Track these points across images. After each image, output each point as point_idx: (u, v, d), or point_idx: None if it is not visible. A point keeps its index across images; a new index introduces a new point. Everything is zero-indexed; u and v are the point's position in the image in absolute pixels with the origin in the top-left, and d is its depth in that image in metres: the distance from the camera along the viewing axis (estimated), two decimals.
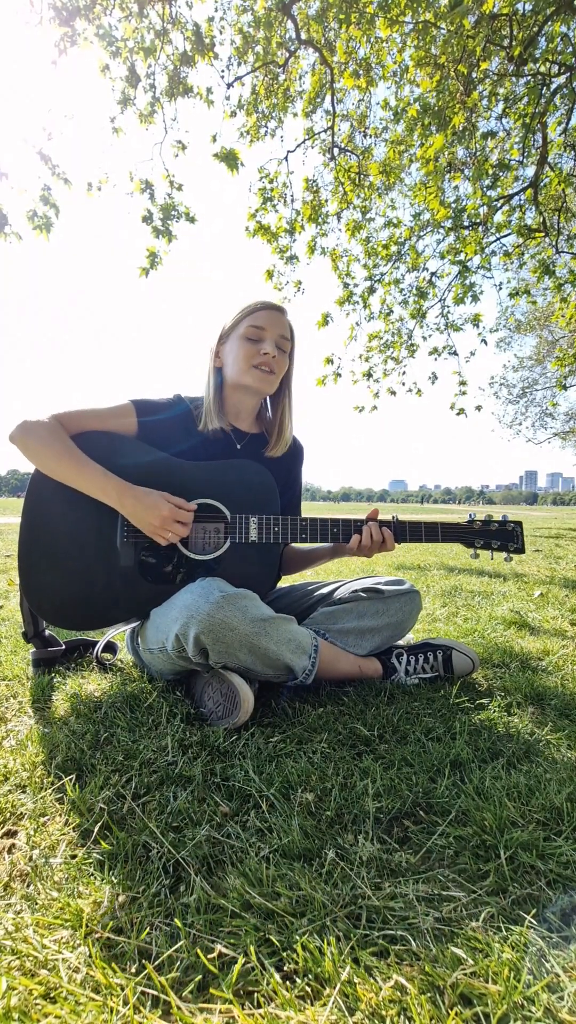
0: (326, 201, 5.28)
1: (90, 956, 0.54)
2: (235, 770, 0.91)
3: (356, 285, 5.96)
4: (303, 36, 4.33)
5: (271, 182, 5.09)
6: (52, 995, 0.51)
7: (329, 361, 6.25)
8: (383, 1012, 0.49)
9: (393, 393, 6.72)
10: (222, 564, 1.29)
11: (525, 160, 4.61)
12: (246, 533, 1.30)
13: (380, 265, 5.88)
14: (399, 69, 4.46)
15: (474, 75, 3.61)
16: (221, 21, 4.28)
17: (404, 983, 0.51)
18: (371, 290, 6.01)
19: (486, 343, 5.83)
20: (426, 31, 3.48)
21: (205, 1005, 0.50)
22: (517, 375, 16.79)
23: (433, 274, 5.92)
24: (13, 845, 0.73)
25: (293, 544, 1.59)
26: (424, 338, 6.42)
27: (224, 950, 0.55)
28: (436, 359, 6.30)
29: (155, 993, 0.50)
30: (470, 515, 1.41)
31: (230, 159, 3.91)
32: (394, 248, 5.69)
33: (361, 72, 4.32)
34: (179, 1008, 0.49)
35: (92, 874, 0.67)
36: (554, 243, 5.09)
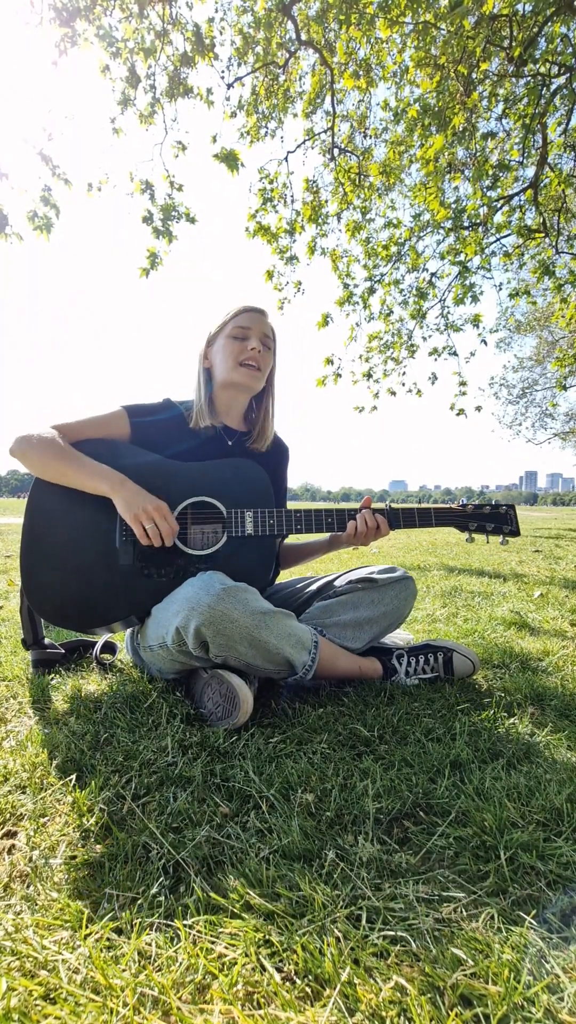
0: (326, 202, 5.28)
1: (90, 957, 0.54)
2: (235, 771, 0.91)
3: (356, 286, 5.96)
4: (303, 37, 4.33)
5: (271, 183, 5.09)
6: (52, 996, 0.51)
7: (329, 361, 6.26)
8: (383, 1013, 0.49)
9: (393, 393, 6.72)
10: (220, 558, 1.31)
11: (525, 161, 4.61)
12: (242, 527, 1.31)
13: (380, 266, 5.88)
14: (399, 70, 4.46)
15: (474, 76, 3.61)
16: (221, 22, 4.28)
17: (404, 984, 0.51)
18: (371, 291, 6.01)
19: (486, 344, 5.83)
20: (426, 32, 3.49)
21: (205, 1006, 0.50)
22: (517, 375, 16.80)
23: (433, 275, 5.92)
24: (13, 846, 0.73)
25: (289, 540, 1.60)
26: (424, 338, 6.42)
27: (224, 951, 0.55)
28: (436, 359, 6.30)
29: (155, 994, 0.50)
30: (462, 500, 1.43)
31: (230, 160, 3.91)
32: (394, 249, 5.69)
33: (361, 73, 4.32)
34: (179, 1009, 0.49)
35: (92, 875, 0.67)
36: (554, 243, 5.09)
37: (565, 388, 9.07)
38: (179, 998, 0.50)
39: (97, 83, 4.21)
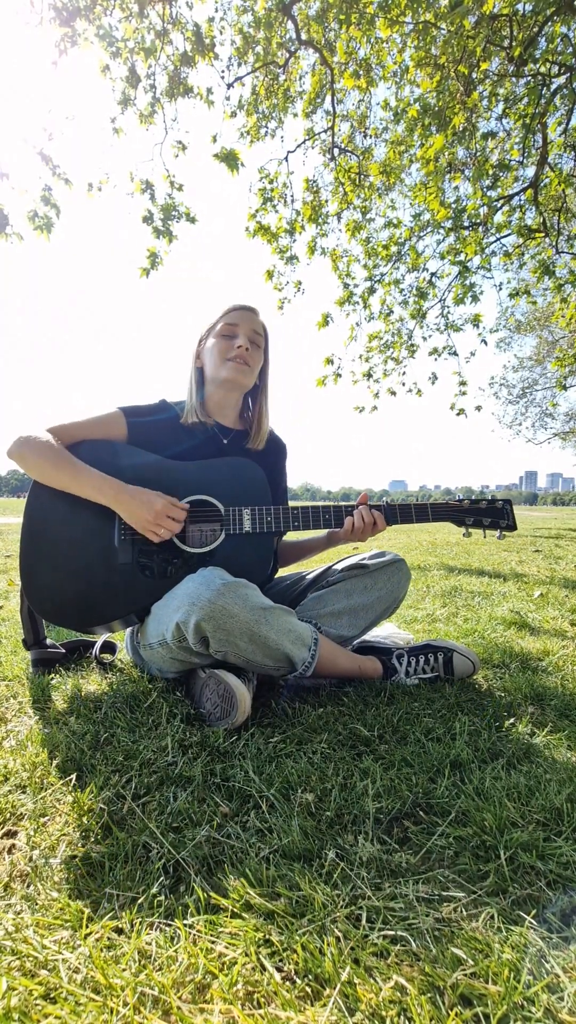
0: (326, 201, 5.28)
1: (90, 957, 0.54)
2: (235, 770, 0.91)
3: (356, 285, 5.96)
4: (303, 36, 4.33)
5: (271, 182, 5.09)
6: (52, 995, 0.51)
7: (329, 361, 6.25)
8: (383, 1012, 0.49)
9: (393, 393, 6.72)
10: (218, 556, 1.31)
11: (525, 160, 4.61)
12: (240, 524, 1.32)
13: (380, 265, 5.88)
14: (399, 69, 4.46)
15: (474, 75, 3.61)
16: (221, 21, 4.28)
17: (404, 983, 0.51)
18: (371, 290, 6.00)
19: (486, 343, 5.82)
20: (426, 31, 3.48)
21: (205, 1005, 0.50)
22: (517, 375, 16.81)
23: (433, 274, 5.92)
24: (13, 845, 0.73)
25: (287, 537, 1.62)
26: (424, 338, 6.42)
27: (224, 950, 0.55)
28: (436, 359, 6.30)
29: (155, 993, 0.50)
30: (458, 496, 1.43)
31: (230, 159, 3.91)
32: (394, 248, 5.69)
33: (361, 72, 4.32)
34: (179, 1009, 0.49)
35: (92, 875, 0.67)
36: (554, 243, 5.09)
37: (565, 388, 9.06)
38: (179, 997, 0.50)
39: (97, 83, 4.21)
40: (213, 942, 0.57)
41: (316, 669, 1.23)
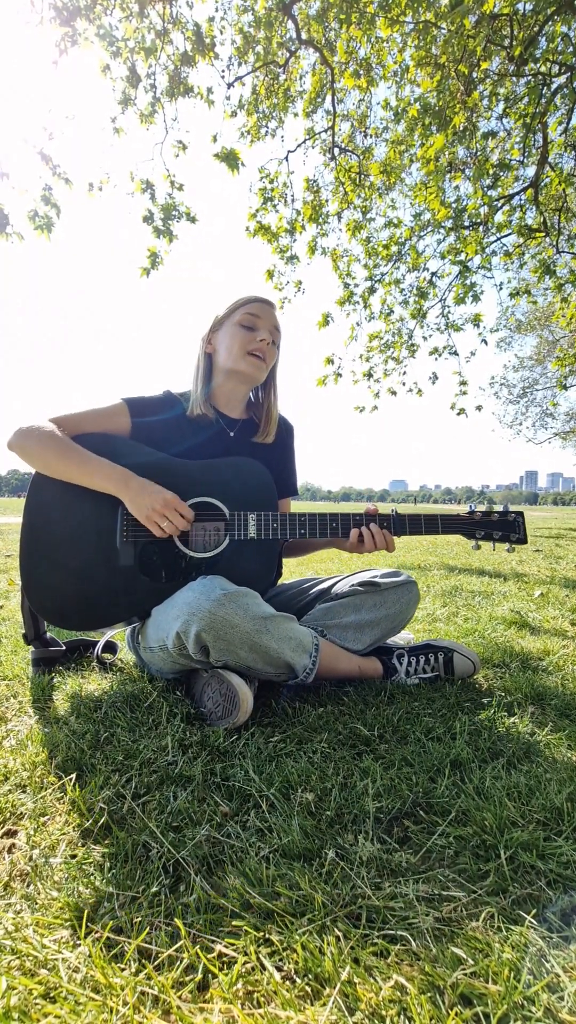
0: (326, 201, 5.27)
1: (90, 956, 0.54)
2: (235, 770, 0.91)
3: (356, 285, 5.96)
4: (303, 36, 4.32)
5: (272, 182, 5.08)
6: (52, 995, 0.51)
7: (330, 361, 6.25)
8: (383, 1012, 0.49)
9: (393, 393, 6.72)
10: (222, 561, 1.29)
11: (525, 160, 4.61)
12: (245, 530, 1.30)
13: (380, 265, 5.87)
14: (400, 69, 4.46)
15: (475, 75, 3.60)
16: (222, 21, 4.28)
17: (404, 983, 0.51)
18: (371, 290, 6.00)
19: (486, 343, 5.82)
20: (427, 31, 3.48)
21: (205, 1005, 0.50)
22: (517, 375, 16.80)
23: (434, 274, 5.91)
24: (13, 845, 0.73)
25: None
26: (424, 338, 6.41)
27: (224, 950, 0.55)
28: (436, 359, 6.29)
29: (155, 993, 0.50)
30: (471, 506, 1.42)
31: (231, 159, 3.91)
32: (394, 248, 5.69)
33: (362, 72, 4.32)
34: (179, 1008, 0.49)
35: (92, 874, 0.67)
36: (554, 243, 5.09)
37: (565, 388, 9.06)
38: (179, 997, 0.50)
39: (97, 83, 4.21)
40: (213, 941, 0.57)
41: (317, 673, 1.23)
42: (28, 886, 0.65)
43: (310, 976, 0.52)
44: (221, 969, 0.53)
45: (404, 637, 1.65)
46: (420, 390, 6.67)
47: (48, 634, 1.49)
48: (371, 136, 5.00)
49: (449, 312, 6.09)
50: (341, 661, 1.31)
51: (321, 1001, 0.50)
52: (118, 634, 1.69)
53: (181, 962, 0.54)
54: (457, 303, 5.45)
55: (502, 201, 4.93)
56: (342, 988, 0.51)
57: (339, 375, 6.34)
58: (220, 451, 1.44)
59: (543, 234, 5.00)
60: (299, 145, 5.06)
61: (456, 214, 4.67)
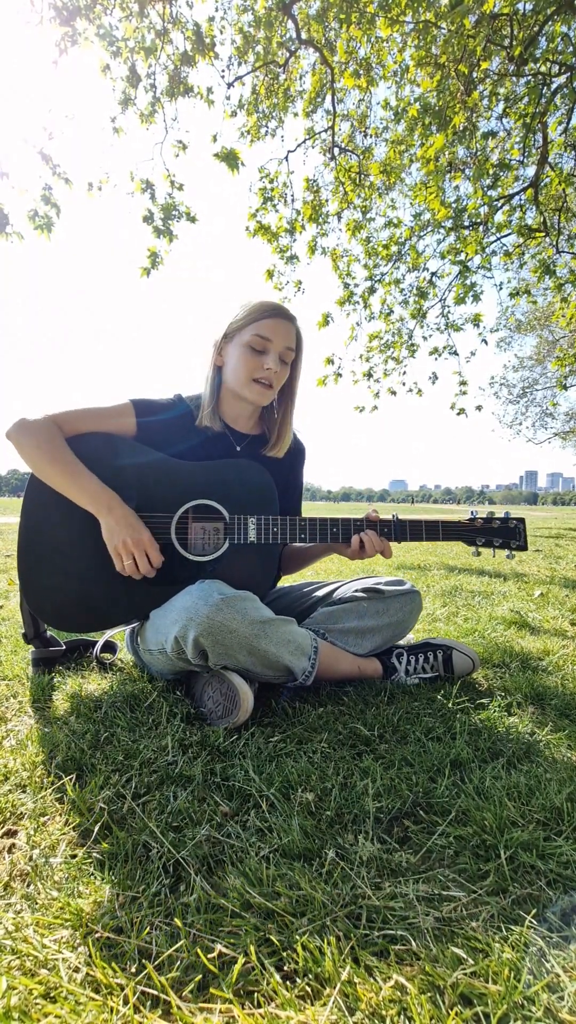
0: (326, 201, 5.27)
1: (90, 956, 0.54)
2: (235, 770, 0.91)
3: (356, 285, 5.95)
4: (303, 36, 4.32)
5: (271, 182, 5.08)
6: (52, 995, 0.51)
7: (330, 361, 6.25)
8: (383, 1012, 0.49)
9: (393, 393, 6.72)
10: (221, 565, 1.29)
11: (525, 160, 4.60)
12: (245, 534, 1.29)
13: (380, 265, 5.87)
14: (399, 69, 4.45)
15: (474, 75, 3.60)
16: (221, 21, 4.28)
17: (404, 983, 0.51)
18: (371, 290, 6.00)
19: (486, 343, 5.82)
20: (426, 31, 3.48)
21: (205, 1005, 0.50)
22: (517, 375, 16.80)
23: (433, 274, 5.91)
24: (13, 845, 0.73)
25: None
26: (424, 338, 6.41)
27: (224, 950, 0.55)
28: (436, 359, 6.29)
29: (155, 993, 0.50)
30: (472, 512, 1.41)
31: (231, 159, 3.91)
32: (394, 248, 5.68)
33: (361, 72, 4.31)
34: (179, 1008, 0.49)
35: (92, 874, 0.67)
36: (554, 243, 5.09)
37: (565, 388, 9.06)
38: (179, 997, 0.50)
39: (97, 82, 4.21)
40: (213, 941, 0.57)
41: (317, 675, 1.23)
42: (28, 886, 0.65)
43: (310, 976, 0.52)
44: (221, 969, 0.53)
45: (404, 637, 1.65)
46: (420, 390, 6.67)
47: (48, 633, 1.49)
48: (371, 136, 5.00)
49: (449, 312, 6.09)
50: (340, 662, 1.31)
51: (321, 1001, 0.50)
52: (118, 634, 1.69)
53: (181, 962, 0.54)
54: (457, 303, 5.45)
55: (502, 201, 4.93)
56: (342, 988, 0.51)
57: (339, 375, 6.34)
58: (222, 456, 1.41)
59: (543, 234, 5.00)
60: (299, 145, 5.05)
61: (456, 214, 4.67)
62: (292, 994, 0.50)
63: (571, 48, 3.58)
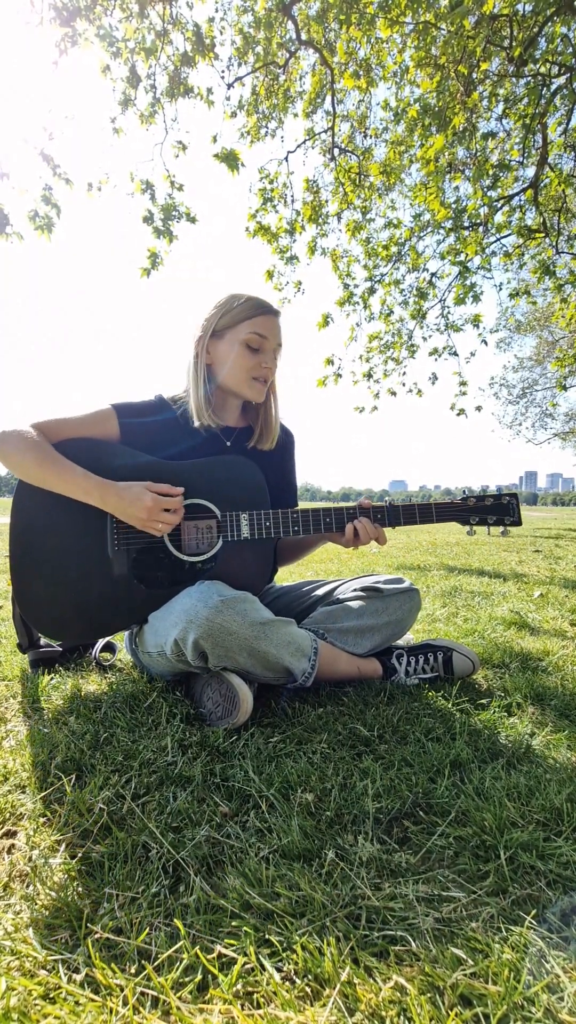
0: (326, 201, 5.28)
1: (89, 957, 0.54)
2: (235, 770, 0.91)
3: (356, 286, 5.96)
4: (303, 37, 4.33)
5: (271, 182, 5.09)
6: (52, 995, 0.50)
7: (329, 362, 6.25)
8: (383, 1012, 0.49)
9: (393, 394, 6.72)
10: (216, 563, 1.29)
11: (525, 161, 4.61)
12: (238, 530, 1.29)
13: (380, 266, 5.88)
14: (399, 70, 4.46)
15: (474, 76, 3.61)
16: (221, 22, 4.28)
17: (404, 983, 0.51)
18: (371, 291, 6.00)
19: (486, 344, 5.82)
20: (426, 32, 3.49)
21: (205, 1005, 0.50)
22: (517, 376, 16.83)
23: (433, 275, 5.92)
24: (13, 845, 0.73)
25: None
26: (424, 339, 6.41)
27: (224, 950, 0.55)
28: (436, 360, 6.29)
29: (155, 993, 0.50)
30: (464, 492, 1.41)
31: (231, 159, 3.91)
32: (394, 249, 5.69)
33: (361, 73, 4.32)
34: (179, 1008, 0.49)
35: (92, 874, 0.67)
36: (554, 244, 5.09)
37: (565, 388, 9.07)
38: (179, 997, 0.50)
39: (97, 83, 4.22)
40: (213, 942, 0.57)
41: (317, 676, 1.23)
42: (28, 886, 0.65)
43: (310, 977, 0.52)
44: (221, 970, 0.53)
45: (404, 638, 1.65)
46: (420, 390, 6.68)
47: (42, 639, 1.49)
48: (371, 137, 5.00)
49: (449, 313, 6.09)
50: (340, 663, 1.31)
51: (321, 1002, 0.50)
52: (117, 636, 1.69)
53: (181, 963, 0.54)
54: (457, 304, 5.44)
55: (502, 202, 4.93)
56: (342, 989, 0.51)
57: (339, 376, 6.34)
58: (212, 455, 1.40)
59: (543, 235, 5.00)
60: (299, 146, 5.06)
61: (456, 215, 4.67)
62: (292, 995, 0.50)
63: (571, 49, 3.58)
